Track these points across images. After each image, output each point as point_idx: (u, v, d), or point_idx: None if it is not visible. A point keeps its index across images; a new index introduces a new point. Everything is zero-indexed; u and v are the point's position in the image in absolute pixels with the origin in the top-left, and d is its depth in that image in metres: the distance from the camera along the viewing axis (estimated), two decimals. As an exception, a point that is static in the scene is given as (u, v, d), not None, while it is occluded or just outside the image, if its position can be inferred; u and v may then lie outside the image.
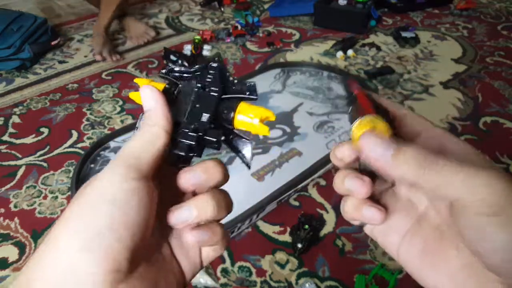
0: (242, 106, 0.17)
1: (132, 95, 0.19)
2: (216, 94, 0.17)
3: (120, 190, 0.14)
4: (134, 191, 0.14)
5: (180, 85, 0.18)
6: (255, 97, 0.17)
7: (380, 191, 0.18)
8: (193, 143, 0.16)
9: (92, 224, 0.14)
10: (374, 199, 0.18)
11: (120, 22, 1.07)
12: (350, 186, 0.17)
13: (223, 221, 0.19)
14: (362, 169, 0.18)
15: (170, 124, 0.17)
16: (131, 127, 0.72)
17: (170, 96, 0.18)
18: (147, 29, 1.04)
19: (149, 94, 0.17)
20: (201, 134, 0.17)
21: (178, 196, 0.17)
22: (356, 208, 0.17)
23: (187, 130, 0.17)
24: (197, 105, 0.17)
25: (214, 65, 0.18)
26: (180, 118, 0.17)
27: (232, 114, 0.17)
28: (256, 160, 0.63)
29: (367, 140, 0.15)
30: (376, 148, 0.15)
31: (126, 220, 0.14)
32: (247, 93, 0.17)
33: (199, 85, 0.17)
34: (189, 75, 0.18)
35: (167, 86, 0.18)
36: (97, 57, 0.94)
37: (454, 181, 0.14)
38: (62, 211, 0.58)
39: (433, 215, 0.16)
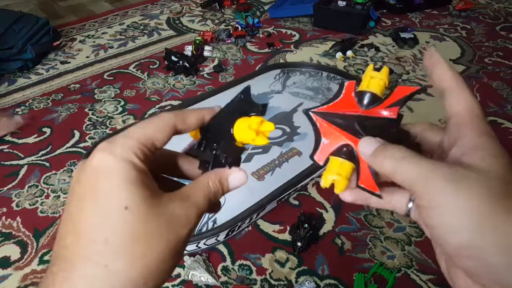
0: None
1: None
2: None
3: (189, 233, 0.16)
4: (195, 225, 0.17)
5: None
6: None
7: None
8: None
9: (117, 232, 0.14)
10: None
11: None
12: None
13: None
14: None
15: None
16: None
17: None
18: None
19: (242, 181, 0.19)
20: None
21: None
22: None
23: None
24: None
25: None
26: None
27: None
28: (256, 159, 0.64)
29: (359, 150, 0.18)
30: (363, 151, 0.18)
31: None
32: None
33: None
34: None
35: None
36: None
37: (407, 168, 0.15)
38: (64, 210, 0.59)
39: None
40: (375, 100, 0.18)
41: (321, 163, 0.19)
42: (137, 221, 0.14)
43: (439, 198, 0.14)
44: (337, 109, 0.19)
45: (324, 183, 0.18)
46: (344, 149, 0.18)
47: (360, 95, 0.18)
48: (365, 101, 0.18)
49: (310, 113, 0.19)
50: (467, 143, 0.16)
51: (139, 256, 0.14)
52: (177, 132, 0.18)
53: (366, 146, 0.17)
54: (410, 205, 0.19)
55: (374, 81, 0.19)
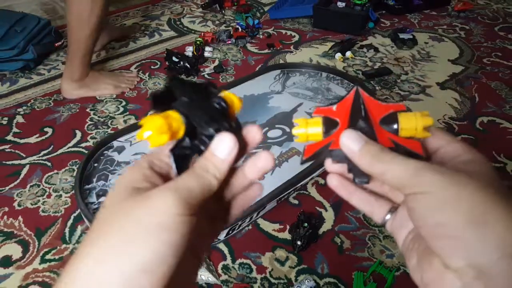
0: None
1: (148, 124, 0.17)
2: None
3: (176, 222, 0.15)
4: (187, 224, 0.15)
5: (180, 107, 0.18)
6: None
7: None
8: None
9: (150, 249, 0.14)
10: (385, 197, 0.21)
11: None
12: None
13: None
14: (350, 169, 0.19)
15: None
16: (134, 127, 0.73)
17: (189, 123, 0.18)
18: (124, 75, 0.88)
19: (227, 144, 0.17)
20: None
21: None
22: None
23: None
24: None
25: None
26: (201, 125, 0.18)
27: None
28: (256, 159, 0.64)
29: (342, 140, 0.18)
30: (349, 145, 0.18)
31: (180, 246, 0.15)
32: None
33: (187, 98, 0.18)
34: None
35: (182, 116, 0.18)
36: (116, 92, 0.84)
37: (396, 168, 0.16)
38: (66, 209, 0.59)
39: None
40: (394, 132, 0.19)
41: (312, 114, 0.20)
42: (107, 205, 0.16)
43: (429, 187, 0.15)
44: (372, 106, 0.19)
45: (297, 120, 0.20)
46: (332, 124, 0.20)
47: (392, 119, 0.18)
48: (390, 126, 0.18)
49: (359, 89, 0.20)
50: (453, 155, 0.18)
51: (99, 229, 0.15)
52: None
53: (353, 141, 0.18)
54: (388, 217, 0.20)
55: (410, 129, 0.18)
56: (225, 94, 0.19)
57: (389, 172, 0.16)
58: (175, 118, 0.17)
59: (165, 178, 0.18)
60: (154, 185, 0.17)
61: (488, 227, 0.14)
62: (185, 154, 0.18)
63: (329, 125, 0.19)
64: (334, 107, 0.20)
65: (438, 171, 0.16)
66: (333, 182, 0.21)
